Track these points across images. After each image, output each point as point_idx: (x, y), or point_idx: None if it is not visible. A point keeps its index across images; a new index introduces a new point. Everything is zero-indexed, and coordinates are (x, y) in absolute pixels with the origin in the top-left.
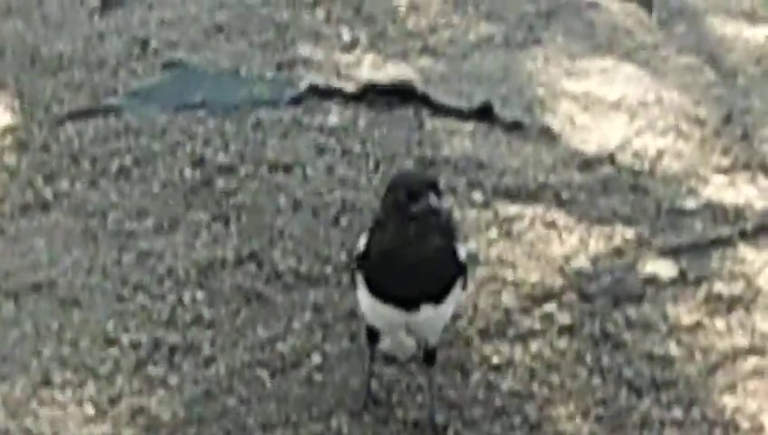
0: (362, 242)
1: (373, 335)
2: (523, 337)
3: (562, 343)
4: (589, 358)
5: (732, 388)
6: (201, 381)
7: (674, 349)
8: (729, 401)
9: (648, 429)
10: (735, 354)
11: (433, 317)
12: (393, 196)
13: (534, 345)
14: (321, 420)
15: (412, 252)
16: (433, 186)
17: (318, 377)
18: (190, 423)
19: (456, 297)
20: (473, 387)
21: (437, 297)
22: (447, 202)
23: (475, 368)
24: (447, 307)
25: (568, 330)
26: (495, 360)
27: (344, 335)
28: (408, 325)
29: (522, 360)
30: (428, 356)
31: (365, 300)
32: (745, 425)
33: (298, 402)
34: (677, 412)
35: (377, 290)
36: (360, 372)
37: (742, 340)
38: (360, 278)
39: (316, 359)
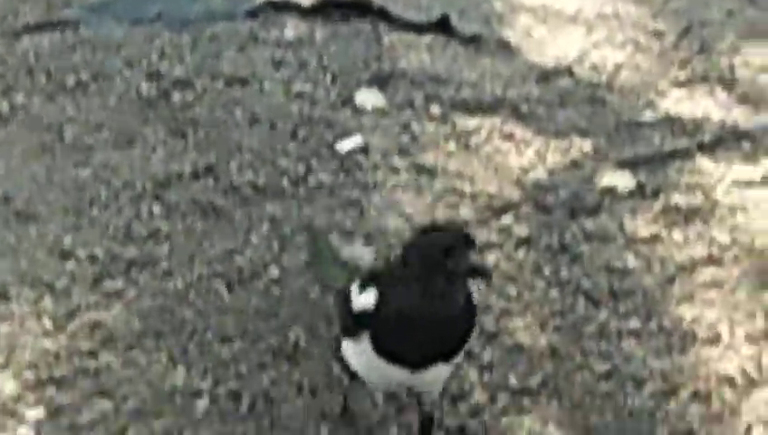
0: (369, 297)
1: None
2: (481, 249)
3: (520, 254)
4: (546, 270)
5: (689, 298)
6: (158, 294)
7: (631, 260)
8: (687, 311)
9: (606, 339)
10: (693, 265)
11: (441, 374)
12: (425, 251)
13: (492, 257)
14: (279, 332)
15: (437, 312)
16: (469, 241)
17: (276, 290)
18: (147, 336)
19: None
20: None
21: (452, 354)
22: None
23: None
24: (457, 360)
25: (525, 242)
26: None
27: (302, 248)
28: (411, 383)
29: None
30: (425, 427)
31: (366, 359)
32: (703, 335)
33: (256, 315)
34: (635, 323)
35: (386, 351)
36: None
37: (699, 251)
38: (364, 337)
39: (274, 272)
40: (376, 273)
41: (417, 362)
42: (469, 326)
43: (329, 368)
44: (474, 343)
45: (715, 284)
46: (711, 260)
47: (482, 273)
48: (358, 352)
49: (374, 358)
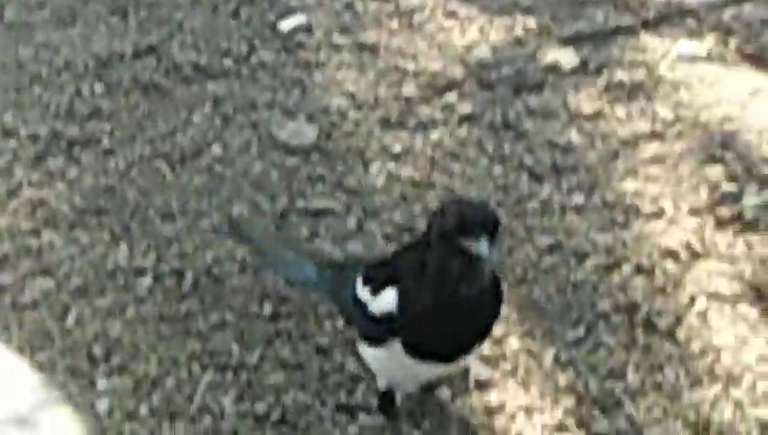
0: (389, 299)
1: (391, 400)
2: (424, 126)
3: (463, 131)
4: (490, 146)
5: (633, 173)
6: (100, 173)
7: (575, 136)
8: (630, 186)
9: (549, 214)
10: (636, 140)
11: (473, 356)
12: (441, 224)
13: (435, 134)
14: (222, 209)
15: (463, 299)
16: (495, 224)
17: (218, 168)
18: (89, 215)
19: None
20: (373, 176)
21: (483, 339)
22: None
23: (375, 157)
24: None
25: (469, 119)
26: (396, 149)
27: (245, 126)
28: (443, 372)
29: (422, 149)
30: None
31: (397, 363)
32: (646, 209)
33: (198, 193)
34: (578, 198)
35: (420, 352)
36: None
37: (642, 126)
38: (393, 343)
39: (216, 150)
40: (384, 266)
41: (453, 355)
42: (499, 309)
43: None
44: (416, 220)
45: (659, 159)
46: (654, 135)
47: (489, 260)
48: (386, 358)
49: (406, 360)
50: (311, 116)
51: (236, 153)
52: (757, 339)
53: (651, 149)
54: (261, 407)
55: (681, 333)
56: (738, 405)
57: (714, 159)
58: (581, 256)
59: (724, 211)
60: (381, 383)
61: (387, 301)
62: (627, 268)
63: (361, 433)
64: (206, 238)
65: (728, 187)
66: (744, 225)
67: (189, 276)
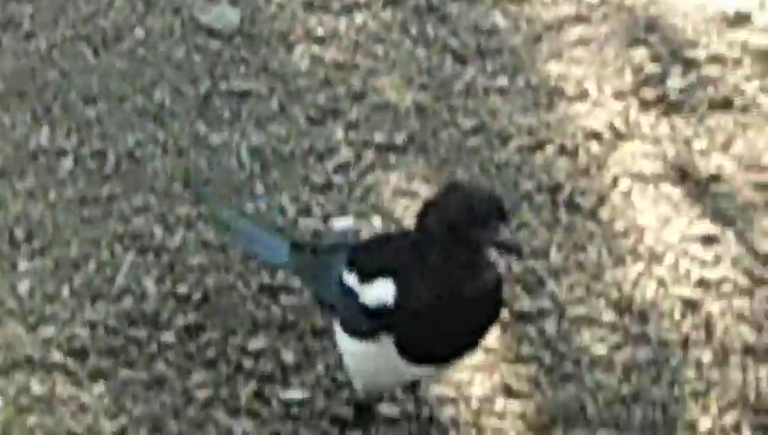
0: (386, 292)
1: (369, 412)
2: (349, 9)
3: (387, 14)
4: (414, 29)
5: (557, 56)
6: (21, 55)
7: (499, 19)
8: (554, 68)
9: (473, 96)
10: (561, 23)
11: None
12: (447, 217)
13: (359, 17)
14: (145, 93)
15: (466, 294)
16: (500, 210)
17: (141, 51)
18: (11, 96)
19: None
20: (297, 59)
21: (478, 344)
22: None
23: (299, 40)
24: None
25: (393, 2)
26: (320, 32)
27: (167, 10)
28: (428, 375)
29: (346, 32)
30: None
31: (384, 361)
32: (570, 91)
33: (121, 76)
34: (502, 80)
35: (415, 352)
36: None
37: (567, 9)
38: (385, 340)
39: (139, 33)
40: (374, 252)
41: (447, 357)
42: (499, 313)
43: (194, 128)
44: (340, 102)
45: (583, 41)
46: (579, 19)
47: (512, 249)
48: (372, 353)
49: (397, 359)
50: (233, 0)
51: (159, 37)
52: (680, 218)
53: (576, 32)
54: (183, 288)
55: (604, 213)
56: (661, 283)
57: (638, 42)
58: (505, 138)
59: (649, 93)
60: (358, 385)
61: (382, 292)
62: (550, 149)
63: (284, 314)
64: (128, 120)
65: (653, 69)
66: (668, 106)
67: (111, 158)
